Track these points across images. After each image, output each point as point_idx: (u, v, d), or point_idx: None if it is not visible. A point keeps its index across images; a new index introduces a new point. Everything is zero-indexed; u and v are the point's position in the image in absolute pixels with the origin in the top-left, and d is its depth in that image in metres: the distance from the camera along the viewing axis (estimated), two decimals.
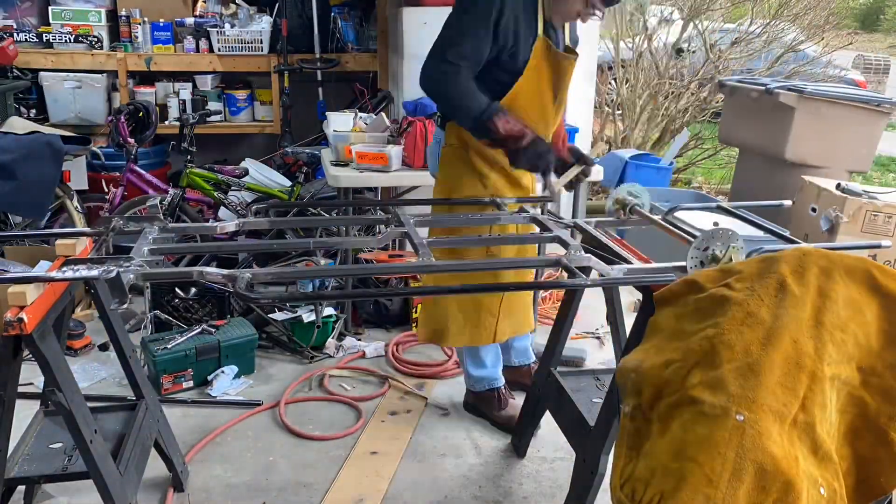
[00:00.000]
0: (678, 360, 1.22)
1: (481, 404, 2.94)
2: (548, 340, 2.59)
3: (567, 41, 2.56)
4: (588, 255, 1.90)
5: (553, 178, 2.42)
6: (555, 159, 2.39)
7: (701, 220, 2.32)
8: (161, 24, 4.78)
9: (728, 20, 7.42)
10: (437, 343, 2.89)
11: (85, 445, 1.82)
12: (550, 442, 2.76)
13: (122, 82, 4.75)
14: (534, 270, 3.35)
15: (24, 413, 2.13)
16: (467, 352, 2.85)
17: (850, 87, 5.62)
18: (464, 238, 2.45)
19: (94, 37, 4.68)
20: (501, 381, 2.91)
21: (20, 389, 1.97)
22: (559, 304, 2.62)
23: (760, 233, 2.21)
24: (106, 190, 4.29)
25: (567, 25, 2.55)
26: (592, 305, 3.79)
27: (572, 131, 3.77)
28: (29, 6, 4.75)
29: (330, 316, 3.55)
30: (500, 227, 2.44)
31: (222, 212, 4.07)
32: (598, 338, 3.71)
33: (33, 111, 4.68)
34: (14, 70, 4.42)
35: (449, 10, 4.08)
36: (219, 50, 4.79)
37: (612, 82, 7.21)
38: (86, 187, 4.46)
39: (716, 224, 1.86)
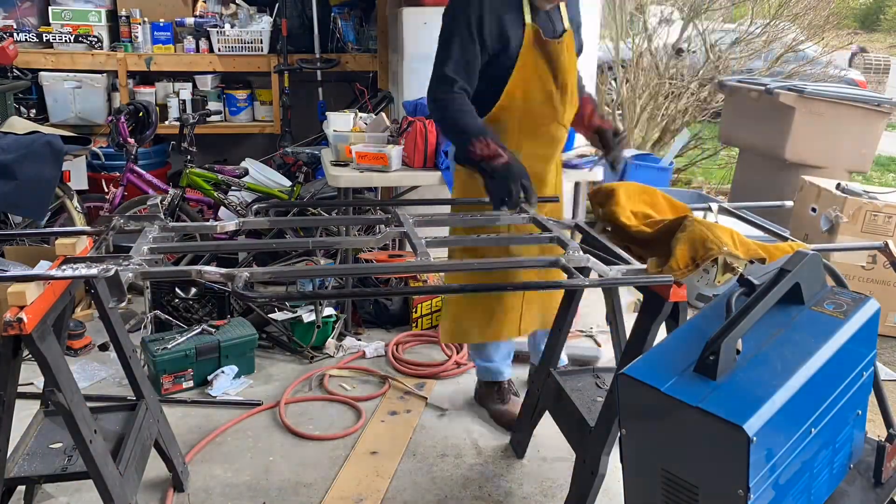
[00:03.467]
0: None
1: (483, 395, 3.01)
2: (547, 340, 2.59)
3: (566, 24, 2.55)
4: (587, 255, 1.91)
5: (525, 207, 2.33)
6: (527, 185, 2.29)
7: None
8: (161, 24, 4.78)
9: (728, 20, 7.42)
10: (462, 342, 2.98)
11: (85, 445, 1.82)
12: (550, 442, 2.75)
13: (122, 82, 4.76)
14: None
15: (24, 413, 2.13)
16: (475, 344, 2.90)
17: (850, 87, 5.62)
18: (462, 238, 2.45)
19: (94, 37, 4.68)
20: (506, 376, 2.95)
21: (20, 389, 1.97)
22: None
23: (760, 233, 2.22)
24: (106, 190, 4.29)
25: (563, 8, 2.54)
26: (591, 304, 3.80)
27: (571, 131, 3.76)
28: (29, 6, 4.75)
29: (330, 316, 3.55)
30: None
31: (222, 212, 4.07)
32: (591, 336, 3.72)
33: (33, 111, 4.69)
34: (14, 70, 4.42)
35: None
36: (219, 50, 4.79)
37: (612, 82, 7.20)
38: (86, 187, 4.46)
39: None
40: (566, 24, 2.56)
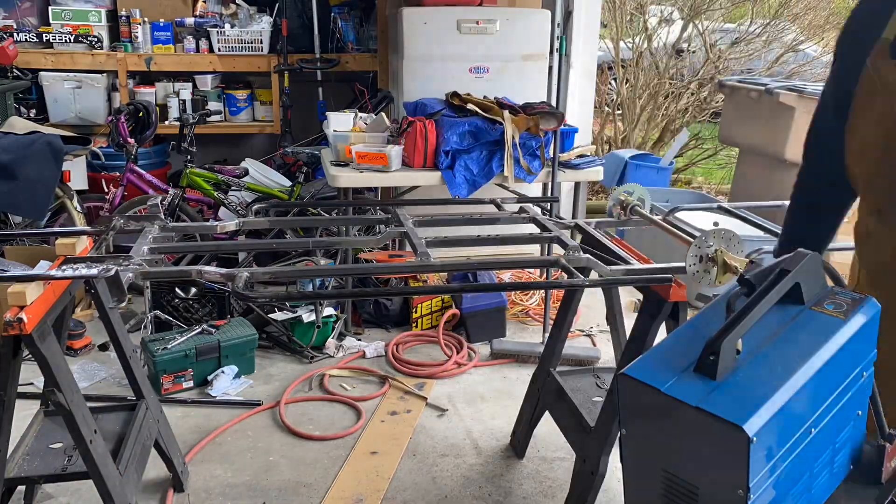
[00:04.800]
0: None
1: None
2: (547, 340, 2.59)
3: None
4: (587, 255, 1.91)
5: None
6: None
7: (701, 221, 2.32)
8: (161, 24, 4.78)
9: (728, 20, 7.41)
10: None
11: (85, 445, 1.82)
12: (550, 442, 2.76)
13: (122, 82, 4.75)
14: None
15: (24, 413, 2.13)
16: None
17: None
18: (463, 238, 2.45)
19: (94, 37, 4.67)
20: None
21: (20, 389, 1.97)
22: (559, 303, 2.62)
23: (760, 233, 2.21)
24: (106, 190, 4.29)
25: None
26: (590, 304, 3.80)
27: (572, 131, 3.77)
28: (29, 6, 4.75)
29: (330, 316, 3.55)
30: None
31: (222, 212, 4.07)
32: (590, 336, 3.72)
33: (33, 111, 4.68)
34: (14, 70, 4.41)
35: (448, 9, 4.08)
36: (219, 50, 4.78)
37: (612, 82, 7.21)
38: (86, 187, 4.46)
39: (716, 224, 1.86)
40: None
